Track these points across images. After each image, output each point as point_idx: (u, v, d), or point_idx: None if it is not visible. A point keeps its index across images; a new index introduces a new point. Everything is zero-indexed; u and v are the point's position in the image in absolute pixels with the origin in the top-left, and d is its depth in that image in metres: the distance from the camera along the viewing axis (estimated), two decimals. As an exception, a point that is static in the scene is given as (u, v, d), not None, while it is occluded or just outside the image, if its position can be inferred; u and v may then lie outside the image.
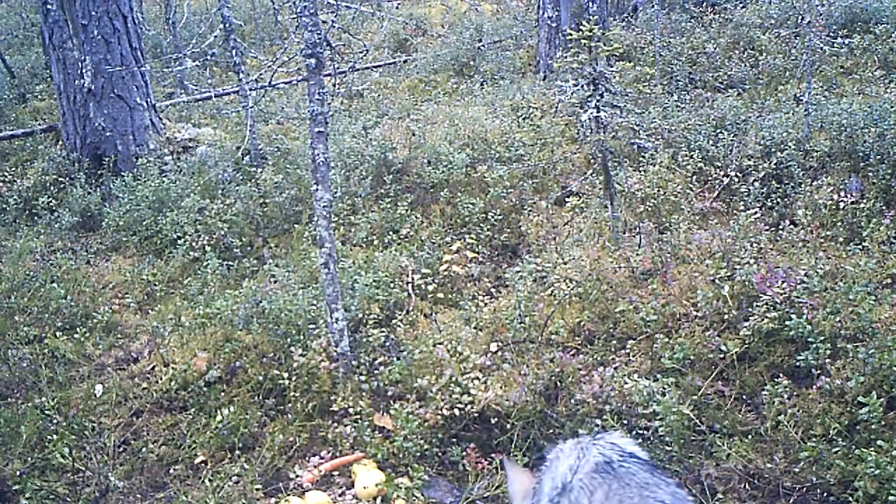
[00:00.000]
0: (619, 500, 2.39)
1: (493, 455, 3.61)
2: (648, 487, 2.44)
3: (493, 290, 5.00)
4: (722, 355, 3.77)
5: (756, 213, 4.78)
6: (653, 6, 9.18)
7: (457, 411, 3.74)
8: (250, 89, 7.05)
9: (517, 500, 2.77)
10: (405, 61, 10.43)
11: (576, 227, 5.41)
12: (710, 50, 8.35)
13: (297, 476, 3.73)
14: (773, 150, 5.74)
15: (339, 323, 4.09)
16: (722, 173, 5.67)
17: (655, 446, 3.42)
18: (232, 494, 3.56)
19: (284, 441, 3.87)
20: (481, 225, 5.59)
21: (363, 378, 4.07)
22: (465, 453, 3.64)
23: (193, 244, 5.73)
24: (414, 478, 3.51)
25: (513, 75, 9.18)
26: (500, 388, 3.81)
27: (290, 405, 4.06)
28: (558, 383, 3.81)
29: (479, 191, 6.03)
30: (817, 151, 5.68)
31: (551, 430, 3.67)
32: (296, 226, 5.84)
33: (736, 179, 5.62)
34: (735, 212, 5.08)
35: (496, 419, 3.77)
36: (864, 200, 4.89)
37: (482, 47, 10.21)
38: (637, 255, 4.58)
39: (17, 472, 3.72)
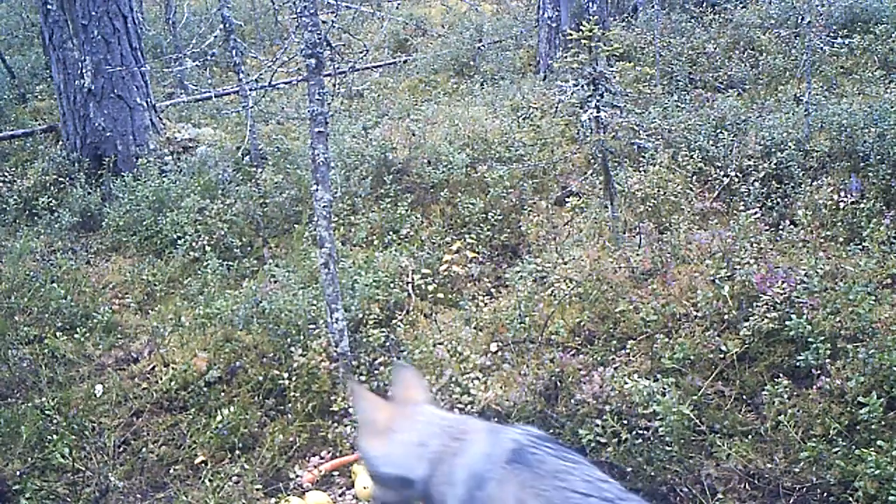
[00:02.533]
0: (535, 493, 2.27)
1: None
2: (559, 476, 2.32)
3: (493, 290, 5.00)
4: (722, 355, 3.77)
5: (756, 213, 4.77)
6: (653, 6, 9.18)
7: (457, 411, 3.74)
8: (250, 89, 7.05)
9: (372, 430, 2.53)
10: (405, 61, 10.43)
11: (576, 227, 5.41)
12: (710, 50, 8.36)
13: (297, 476, 3.73)
14: (773, 150, 5.74)
15: (339, 323, 4.09)
16: (722, 173, 5.67)
17: (655, 446, 3.42)
18: (232, 494, 3.56)
19: (284, 441, 3.87)
20: (481, 225, 5.59)
21: (363, 378, 4.07)
22: (465, 453, 3.64)
23: (193, 244, 5.73)
24: (414, 478, 3.50)
25: (513, 75, 9.18)
26: (500, 388, 3.81)
27: (290, 405, 4.06)
28: (558, 383, 3.81)
29: (479, 191, 6.03)
30: (817, 151, 5.68)
31: (551, 430, 3.67)
32: (296, 226, 5.84)
33: (736, 179, 5.61)
34: (735, 212, 5.08)
35: (496, 419, 3.76)
36: (864, 200, 4.89)
37: (482, 47, 10.21)
38: (637, 255, 4.58)
39: (17, 472, 3.72)
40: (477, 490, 2.32)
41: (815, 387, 3.48)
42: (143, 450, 3.94)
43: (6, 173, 7.32)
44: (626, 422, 3.49)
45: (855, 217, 4.81)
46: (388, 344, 4.34)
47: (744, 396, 3.71)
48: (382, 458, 2.48)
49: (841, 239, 4.67)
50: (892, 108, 5.78)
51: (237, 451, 3.86)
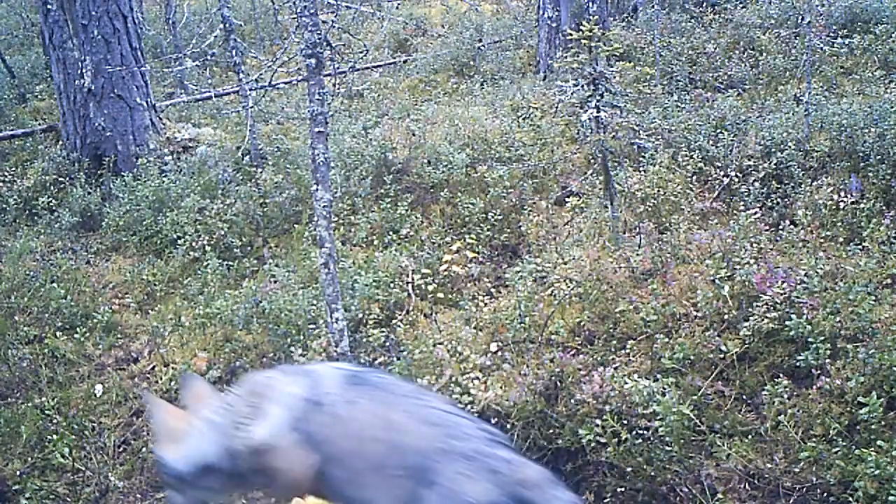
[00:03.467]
0: (399, 409, 2.34)
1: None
2: (419, 398, 2.43)
3: (493, 290, 5.00)
4: (722, 355, 3.77)
5: (756, 213, 4.77)
6: (653, 6, 9.18)
7: (457, 411, 3.73)
8: (250, 89, 7.05)
9: (169, 438, 2.56)
10: (405, 61, 10.43)
11: (576, 227, 5.41)
12: (710, 50, 8.36)
13: (297, 476, 3.73)
14: (773, 150, 5.74)
15: (339, 323, 4.09)
16: (722, 173, 5.67)
17: (655, 446, 3.42)
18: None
19: (284, 441, 3.87)
20: (481, 225, 5.59)
21: (363, 378, 4.06)
22: (465, 453, 3.64)
23: (193, 244, 5.73)
24: (414, 478, 3.50)
25: (513, 75, 9.18)
26: (500, 388, 3.81)
27: (290, 405, 4.06)
28: (558, 383, 3.81)
29: (479, 191, 6.03)
30: (817, 151, 5.68)
31: (551, 430, 3.67)
32: (296, 226, 5.84)
33: (736, 179, 5.62)
34: (735, 212, 5.08)
35: (496, 419, 3.76)
36: (864, 200, 4.89)
37: (482, 47, 10.21)
38: (637, 255, 4.58)
39: (17, 472, 3.72)
40: (313, 412, 2.34)
41: (815, 387, 3.48)
42: (143, 450, 3.94)
43: (6, 173, 7.32)
44: (626, 422, 3.49)
45: (855, 217, 4.81)
46: (388, 344, 4.34)
47: (744, 396, 3.71)
48: (180, 459, 2.52)
49: (841, 239, 4.67)
50: (892, 108, 5.78)
51: (237, 451, 3.86)
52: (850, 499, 3.06)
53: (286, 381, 2.46)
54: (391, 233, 5.66)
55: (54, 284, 5.23)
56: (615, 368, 3.85)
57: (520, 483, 2.28)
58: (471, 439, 2.33)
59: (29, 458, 3.81)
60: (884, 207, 4.88)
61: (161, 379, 4.35)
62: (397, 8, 12.68)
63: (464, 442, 2.31)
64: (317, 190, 4.01)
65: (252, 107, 6.96)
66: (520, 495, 2.26)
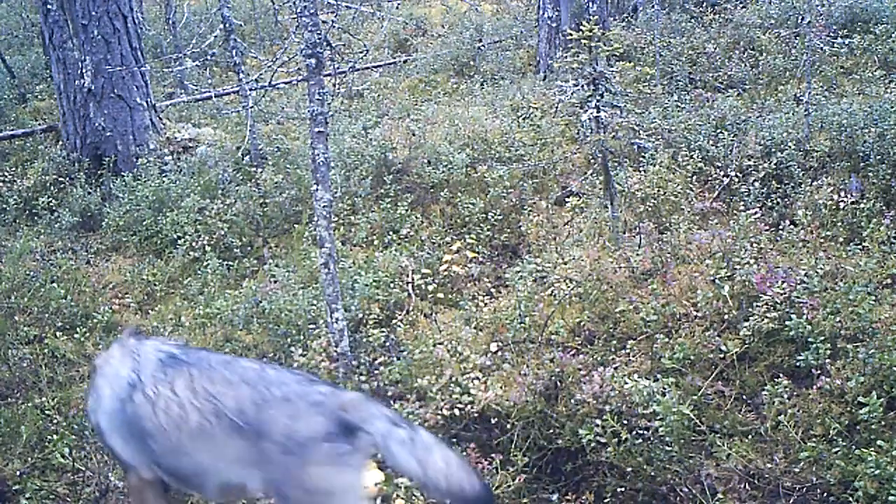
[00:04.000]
0: (209, 380, 2.54)
1: (493, 455, 3.60)
2: (231, 364, 2.64)
3: (493, 290, 5.00)
4: (722, 355, 3.77)
5: (756, 213, 4.78)
6: (653, 6, 9.19)
7: (457, 411, 3.73)
8: (250, 89, 7.05)
9: None
10: (405, 61, 10.44)
11: (576, 227, 5.41)
12: (710, 50, 8.36)
13: (297, 476, 3.72)
14: (773, 150, 5.74)
15: (339, 323, 4.09)
16: (722, 173, 5.67)
17: (655, 446, 3.42)
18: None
19: (284, 441, 3.86)
20: (481, 225, 5.59)
21: (363, 378, 4.06)
22: (465, 453, 3.64)
23: (193, 244, 5.73)
24: (414, 478, 3.50)
25: (513, 75, 9.18)
26: (500, 388, 3.80)
27: (290, 405, 4.05)
28: (558, 383, 3.81)
29: (479, 191, 6.03)
30: (817, 151, 5.68)
31: (551, 430, 3.67)
32: (296, 226, 5.84)
33: (736, 179, 5.62)
34: (735, 212, 5.08)
35: (496, 419, 3.76)
36: (864, 200, 4.89)
37: (482, 47, 10.21)
38: (637, 255, 4.58)
39: (17, 472, 3.72)
40: (132, 395, 2.63)
41: (815, 387, 3.48)
42: (143, 450, 3.93)
43: (6, 173, 7.32)
44: (626, 422, 3.48)
45: (855, 217, 4.82)
46: (388, 344, 4.34)
47: (744, 396, 3.71)
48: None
49: (841, 239, 4.67)
50: (892, 108, 5.78)
51: (237, 451, 3.85)
52: (850, 499, 3.06)
53: (118, 362, 2.75)
54: (391, 233, 5.66)
55: (54, 284, 5.22)
56: (615, 368, 3.85)
57: (341, 408, 2.49)
58: (285, 385, 2.54)
59: (29, 458, 3.80)
60: (884, 207, 4.89)
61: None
62: (397, 8, 12.68)
63: (279, 389, 2.52)
64: (317, 190, 4.01)
65: (252, 107, 6.96)
66: (343, 419, 2.49)
